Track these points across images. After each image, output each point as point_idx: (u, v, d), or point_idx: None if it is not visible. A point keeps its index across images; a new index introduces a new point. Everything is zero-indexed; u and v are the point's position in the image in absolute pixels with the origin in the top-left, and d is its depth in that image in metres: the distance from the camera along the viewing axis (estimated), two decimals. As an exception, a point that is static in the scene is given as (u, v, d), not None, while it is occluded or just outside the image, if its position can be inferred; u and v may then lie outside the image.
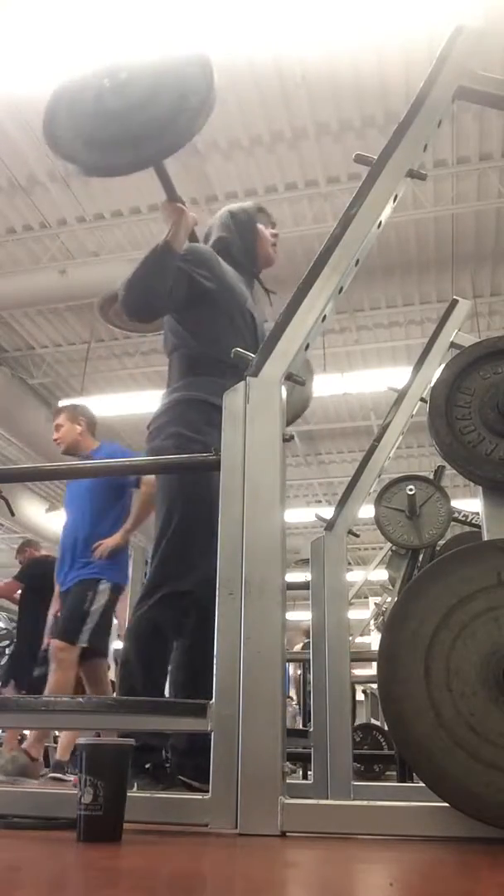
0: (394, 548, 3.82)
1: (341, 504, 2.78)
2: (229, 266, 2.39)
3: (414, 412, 3.10)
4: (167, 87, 2.00)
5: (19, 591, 6.01)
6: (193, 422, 2.17)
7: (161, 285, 2.18)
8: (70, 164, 2.05)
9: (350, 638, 2.86)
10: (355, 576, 8.14)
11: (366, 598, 10.39)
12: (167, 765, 2.06)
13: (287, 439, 1.64)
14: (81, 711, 1.63)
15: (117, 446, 4.77)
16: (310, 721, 2.65)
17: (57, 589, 4.38)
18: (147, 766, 1.96)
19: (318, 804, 1.55)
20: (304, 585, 2.73)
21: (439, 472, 3.78)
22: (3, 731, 6.12)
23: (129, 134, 1.99)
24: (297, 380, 1.72)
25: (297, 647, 6.66)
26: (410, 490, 3.30)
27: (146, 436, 2.30)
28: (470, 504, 3.64)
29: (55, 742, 5.56)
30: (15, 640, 6.05)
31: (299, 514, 10.93)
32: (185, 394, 2.24)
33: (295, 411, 2.93)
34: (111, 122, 2.00)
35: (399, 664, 1.38)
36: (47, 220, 6.98)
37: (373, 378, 8.04)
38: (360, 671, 6.44)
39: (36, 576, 5.82)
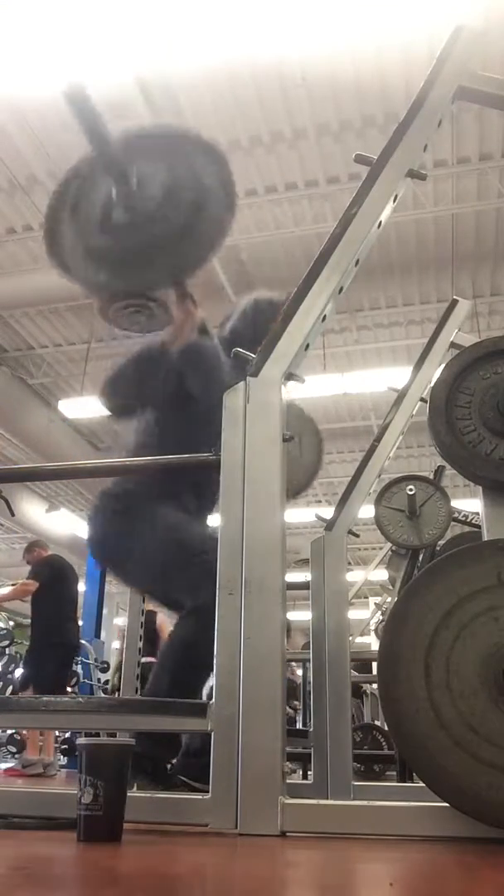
0: (394, 548, 3.83)
1: (341, 504, 2.78)
2: (227, 360, 2.26)
3: (414, 412, 3.10)
4: (182, 197, 1.80)
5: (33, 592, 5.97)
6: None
7: (146, 387, 2.14)
8: (77, 284, 1.88)
9: (350, 638, 2.85)
10: (355, 576, 8.13)
11: (366, 598, 10.38)
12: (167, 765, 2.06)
13: (287, 439, 1.64)
14: (81, 711, 1.63)
15: None
16: (310, 721, 2.65)
17: None
18: (146, 768, 1.96)
19: (318, 804, 1.55)
20: (304, 585, 2.73)
21: (439, 472, 3.79)
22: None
23: (140, 251, 1.79)
24: (297, 379, 1.72)
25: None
26: (410, 490, 3.30)
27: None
28: (470, 504, 3.64)
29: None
30: (31, 640, 5.99)
31: (299, 514, 10.92)
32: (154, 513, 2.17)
33: (299, 483, 2.87)
34: (121, 238, 1.80)
35: (399, 664, 1.38)
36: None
37: (373, 378, 8.04)
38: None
39: (45, 575, 5.81)
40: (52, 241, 1.90)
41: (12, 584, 6.39)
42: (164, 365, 2.16)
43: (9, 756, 7.13)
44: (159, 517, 2.14)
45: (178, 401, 2.18)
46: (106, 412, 2.30)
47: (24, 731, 6.29)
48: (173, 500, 2.20)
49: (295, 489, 2.97)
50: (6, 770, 6.01)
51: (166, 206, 1.78)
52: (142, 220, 1.77)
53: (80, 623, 6.40)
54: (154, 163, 1.83)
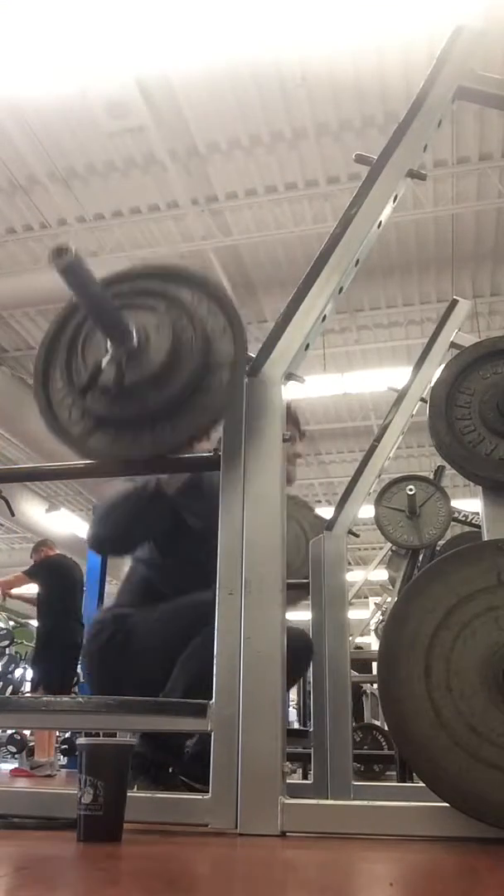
0: (394, 548, 3.83)
1: (341, 504, 2.78)
2: None
3: (414, 412, 3.10)
4: (187, 346, 1.60)
5: (37, 592, 5.96)
6: None
7: (141, 529, 2.05)
8: (80, 455, 1.72)
9: (350, 638, 2.85)
10: (355, 576, 8.14)
11: (366, 598, 10.38)
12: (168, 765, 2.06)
13: (287, 439, 1.64)
14: (81, 711, 1.63)
15: None
16: (310, 721, 2.65)
17: None
18: (148, 769, 1.96)
19: (318, 804, 1.55)
20: (304, 586, 2.73)
21: (439, 472, 3.79)
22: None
23: (152, 413, 1.61)
24: (297, 379, 1.72)
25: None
26: (410, 490, 3.31)
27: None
28: (470, 504, 3.65)
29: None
30: (38, 641, 5.97)
31: (299, 514, 10.92)
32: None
33: (295, 567, 2.78)
34: (129, 402, 1.60)
35: (399, 664, 1.38)
36: (47, 220, 6.98)
37: (373, 378, 8.04)
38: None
39: (53, 576, 5.80)
40: (52, 414, 1.73)
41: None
42: (160, 503, 2.05)
43: (9, 756, 7.12)
44: (156, 617, 2.05)
45: (176, 536, 2.10)
46: (97, 548, 2.17)
47: (29, 733, 6.31)
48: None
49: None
50: (13, 770, 6.02)
51: (176, 357, 1.60)
52: (156, 380, 1.60)
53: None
54: (150, 312, 1.65)
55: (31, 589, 6.16)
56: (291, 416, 2.31)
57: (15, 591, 6.30)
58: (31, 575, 5.89)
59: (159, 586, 2.15)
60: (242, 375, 1.63)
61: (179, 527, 2.09)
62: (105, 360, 1.61)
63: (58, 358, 1.72)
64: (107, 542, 2.13)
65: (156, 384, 1.60)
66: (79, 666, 6.02)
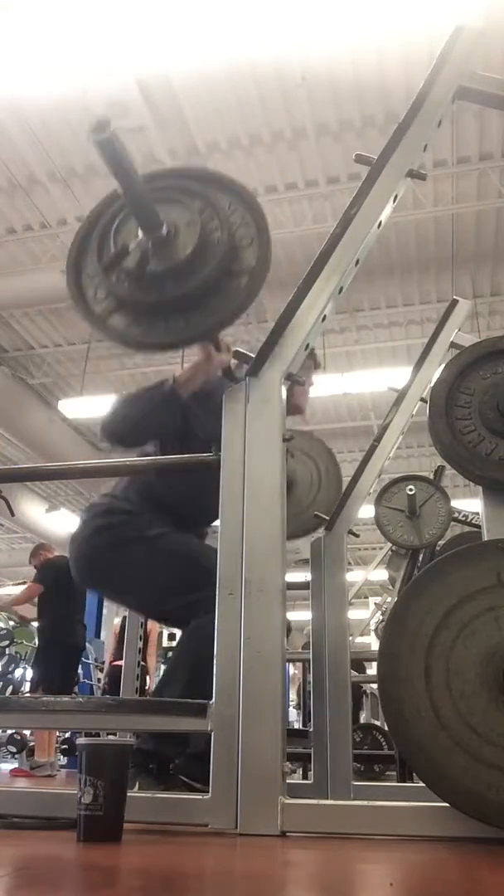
0: (394, 548, 3.82)
1: (341, 504, 2.78)
2: None
3: (414, 412, 3.09)
4: (213, 247, 1.68)
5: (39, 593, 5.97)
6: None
7: (152, 425, 2.11)
8: (109, 339, 1.78)
9: (350, 638, 2.85)
10: (355, 576, 8.13)
11: (366, 598, 10.38)
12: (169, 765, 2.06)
13: (287, 439, 1.64)
14: (81, 711, 1.63)
15: None
16: (310, 721, 2.65)
17: None
18: (150, 766, 1.96)
19: (318, 804, 1.55)
20: (304, 585, 2.73)
21: (439, 472, 3.78)
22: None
23: (169, 304, 1.68)
24: (297, 380, 1.72)
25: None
26: (410, 490, 3.30)
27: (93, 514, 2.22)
28: (470, 504, 3.64)
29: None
30: (39, 641, 5.98)
31: (299, 514, 10.91)
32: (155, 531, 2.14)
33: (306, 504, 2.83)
34: (155, 290, 1.69)
35: (399, 664, 1.38)
36: (47, 220, 6.98)
37: (373, 378, 8.04)
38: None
39: (52, 577, 5.81)
40: (79, 290, 1.80)
41: (19, 584, 6.38)
42: (174, 404, 2.10)
43: (9, 756, 7.12)
44: (156, 535, 2.12)
45: (182, 439, 2.14)
46: (107, 439, 2.25)
47: (29, 733, 6.31)
48: (166, 515, 2.18)
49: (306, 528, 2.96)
50: (13, 770, 6.02)
51: (199, 256, 1.67)
52: (177, 273, 1.67)
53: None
54: (185, 209, 1.72)
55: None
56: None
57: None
58: (39, 580, 5.89)
59: (159, 490, 2.21)
60: (260, 287, 1.70)
61: (187, 433, 2.14)
62: (132, 244, 1.69)
63: (92, 241, 1.82)
64: (118, 432, 2.17)
65: (176, 276, 1.67)
66: (79, 667, 6.03)
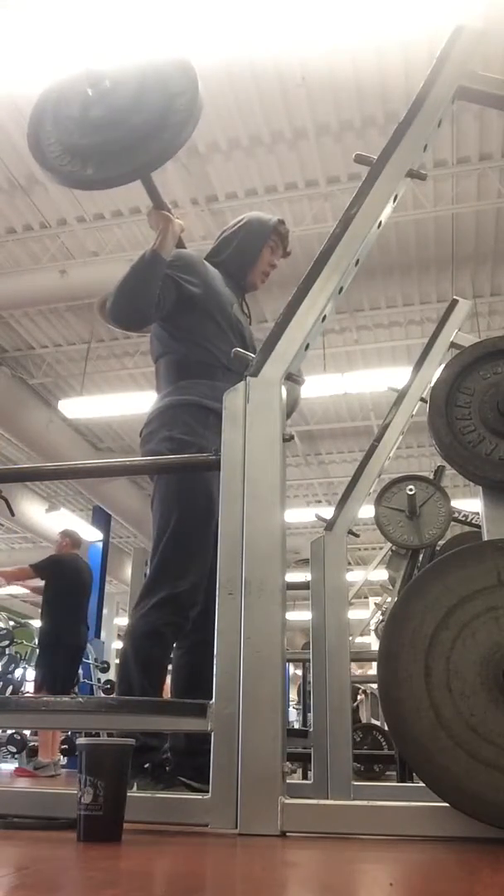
0: (394, 548, 3.82)
1: (341, 504, 2.78)
2: (216, 271, 2.40)
3: (414, 412, 3.10)
4: (152, 93, 1.96)
5: (44, 591, 5.90)
6: (187, 424, 2.17)
7: (149, 294, 2.17)
8: (56, 177, 2.03)
9: (350, 638, 2.85)
10: (355, 576, 8.14)
11: (366, 598, 10.38)
12: (167, 765, 2.06)
13: (287, 439, 1.64)
14: (81, 711, 1.63)
15: None
16: (310, 721, 2.65)
17: None
18: (147, 765, 1.96)
19: (318, 804, 1.55)
20: (304, 585, 2.73)
21: (439, 472, 3.78)
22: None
23: (116, 145, 1.95)
24: (297, 379, 1.72)
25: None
26: (410, 490, 3.30)
27: (139, 441, 2.30)
28: (470, 504, 3.64)
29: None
30: (41, 642, 5.95)
31: (299, 514, 10.94)
32: (177, 398, 2.23)
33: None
34: (97, 133, 1.96)
35: (399, 664, 1.38)
36: (47, 220, 6.98)
37: (373, 378, 8.04)
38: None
39: (62, 575, 5.77)
40: (36, 142, 2.04)
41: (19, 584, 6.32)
42: (160, 266, 2.21)
43: (9, 756, 7.12)
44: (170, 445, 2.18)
45: (179, 304, 2.24)
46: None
47: (30, 733, 6.30)
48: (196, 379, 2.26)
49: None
50: (16, 770, 6.02)
51: (137, 104, 1.95)
52: (116, 118, 1.94)
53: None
54: (125, 67, 2.04)
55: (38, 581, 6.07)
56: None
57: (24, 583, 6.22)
58: (39, 569, 5.82)
59: (185, 370, 2.29)
60: (188, 131, 1.96)
61: (182, 298, 2.24)
62: (78, 99, 2.00)
63: (48, 108, 2.10)
64: (124, 311, 2.23)
65: (117, 122, 1.95)
66: (79, 667, 6.02)
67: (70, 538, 6.10)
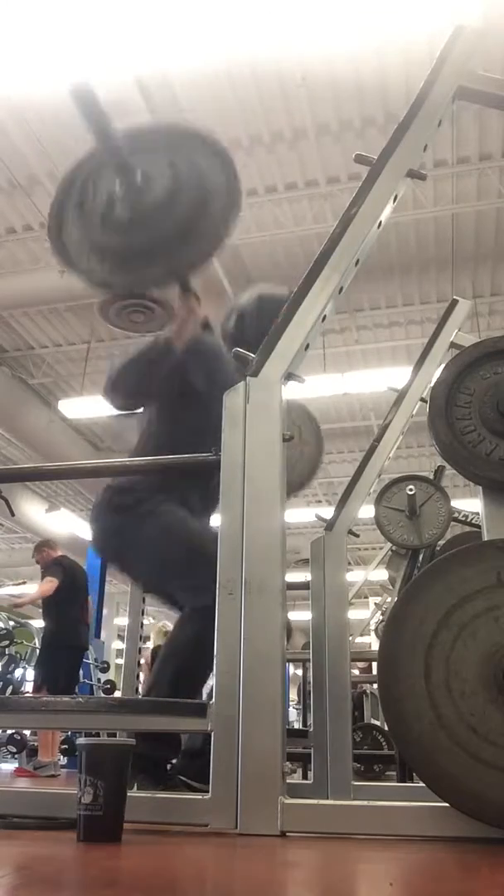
0: (394, 548, 3.82)
1: (341, 504, 2.78)
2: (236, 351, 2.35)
3: (414, 412, 3.10)
4: (185, 194, 1.81)
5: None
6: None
7: (152, 383, 2.16)
8: (86, 282, 1.89)
9: (350, 638, 2.85)
10: (355, 576, 8.13)
11: (366, 598, 10.38)
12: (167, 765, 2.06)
13: (287, 439, 1.64)
14: (81, 711, 1.63)
15: None
16: (310, 721, 2.65)
17: None
18: (147, 767, 1.96)
19: (318, 804, 1.55)
20: (304, 585, 2.73)
21: (439, 472, 3.79)
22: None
23: (143, 248, 1.80)
24: (297, 379, 1.72)
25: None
26: (410, 490, 3.30)
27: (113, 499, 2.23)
28: (470, 504, 3.64)
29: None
30: (42, 642, 5.95)
31: (299, 514, 10.93)
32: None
33: (303, 474, 2.88)
34: (124, 234, 1.81)
35: (399, 664, 1.38)
36: (47, 221, 6.98)
37: (373, 378, 8.04)
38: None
39: (64, 577, 5.77)
40: (57, 234, 1.92)
41: (19, 584, 6.33)
42: (169, 361, 2.17)
43: (9, 756, 7.12)
44: (165, 513, 2.14)
45: (182, 396, 2.20)
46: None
47: (30, 733, 6.30)
48: (178, 496, 2.20)
49: (299, 481, 2.98)
50: (16, 770, 6.02)
51: (170, 203, 1.79)
52: (145, 217, 1.79)
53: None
54: (159, 159, 1.84)
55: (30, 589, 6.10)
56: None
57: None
58: (55, 574, 5.82)
59: (169, 453, 2.23)
60: (228, 233, 1.82)
61: (185, 390, 2.19)
62: (109, 193, 1.83)
63: (73, 191, 1.94)
64: (119, 390, 2.23)
65: (148, 221, 1.80)
66: (80, 668, 6.03)
67: (48, 546, 6.12)
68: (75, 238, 1.88)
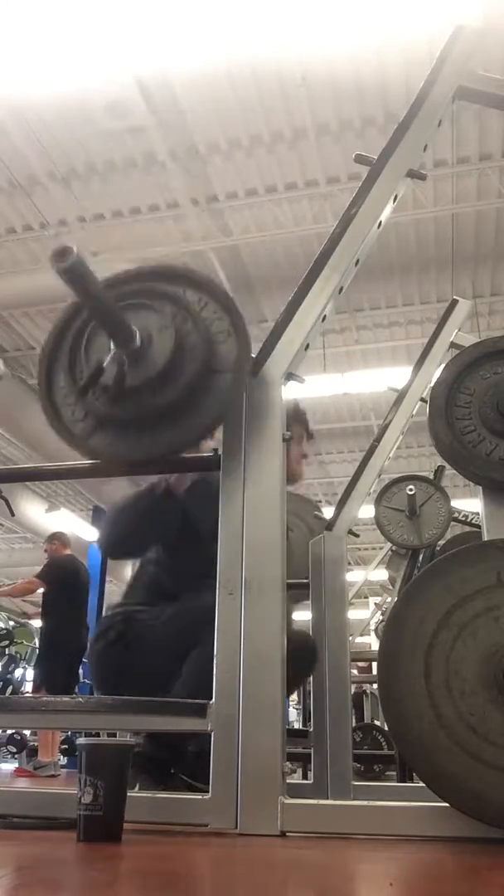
0: (394, 548, 3.83)
1: (341, 504, 2.77)
2: None
3: (414, 412, 3.09)
4: (190, 350, 1.61)
5: (42, 592, 5.92)
6: None
7: (152, 530, 2.05)
8: (82, 454, 1.72)
9: (350, 638, 2.85)
10: (355, 576, 8.14)
11: (366, 598, 10.38)
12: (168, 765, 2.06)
13: (287, 439, 1.64)
14: (81, 711, 1.63)
15: None
16: (310, 721, 2.65)
17: None
18: (150, 766, 1.97)
19: (318, 804, 1.55)
20: (304, 585, 2.73)
21: (439, 472, 3.79)
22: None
23: (154, 415, 1.61)
24: (297, 379, 1.72)
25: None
26: (410, 490, 3.31)
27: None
28: (470, 504, 3.65)
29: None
30: (42, 642, 5.95)
31: (299, 514, 10.91)
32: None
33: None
34: (132, 402, 1.61)
35: (399, 664, 1.38)
36: (47, 220, 6.98)
37: (373, 378, 8.04)
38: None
39: (58, 577, 5.77)
40: (55, 413, 1.73)
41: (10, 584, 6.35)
42: (170, 504, 2.06)
43: (9, 756, 7.12)
44: (169, 617, 2.05)
45: (185, 537, 2.08)
46: (108, 552, 2.19)
47: (29, 733, 6.30)
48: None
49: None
50: (16, 770, 6.02)
51: (178, 360, 1.59)
52: (156, 382, 1.60)
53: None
54: (154, 313, 1.64)
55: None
56: (300, 416, 2.35)
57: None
58: (43, 577, 5.85)
59: (168, 586, 2.15)
60: (245, 380, 1.63)
61: (188, 528, 2.07)
62: (107, 360, 1.61)
63: (61, 357, 1.72)
64: (118, 545, 2.13)
65: (157, 386, 1.59)
66: (80, 667, 6.03)
67: (60, 541, 6.11)
68: (76, 415, 1.71)
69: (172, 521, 2.07)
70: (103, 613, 2.24)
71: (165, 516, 2.06)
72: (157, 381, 1.59)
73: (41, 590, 6.01)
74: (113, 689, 2.05)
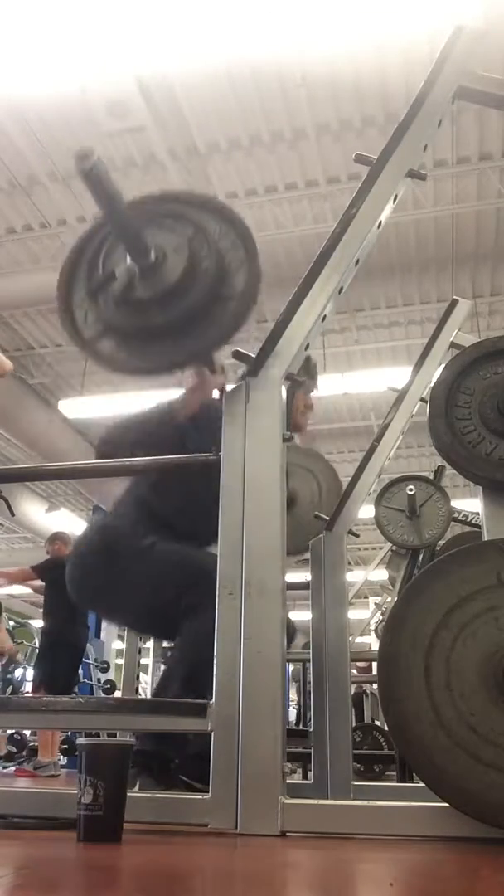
0: (394, 548, 3.82)
1: (341, 504, 2.77)
2: None
3: (414, 412, 3.09)
4: (201, 272, 1.67)
5: (44, 592, 5.91)
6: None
7: (149, 441, 2.08)
8: (97, 363, 1.77)
9: (350, 638, 2.85)
10: (355, 576, 8.13)
11: (366, 598, 10.38)
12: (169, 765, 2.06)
13: (287, 439, 1.64)
14: (81, 711, 1.63)
15: None
16: (310, 721, 2.65)
17: None
18: (151, 766, 1.96)
19: (318, 804, 1.55)
20: (304, 585, 2.73)
21: (439, 472, 3.79)
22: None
23: (157, 329, 1.68)
24: (296, 379, 1.72)
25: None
26: (410, 490, 3.30)
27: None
28: (470, 504, 3.64)
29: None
30: (42, 641, 5.96)
31: (299, 514, 10.91)
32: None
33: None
34: (142, 315, 1.68)
35: (399, 664, 1.38)
36: (47, 220, 6.98)
37: (373, 378, 8.04)
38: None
39: (56, 576, 5.77)
40: (69, 316, 1.80)
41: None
42: (171, 426, 2.11)
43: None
44: (150, 545, 2.10)
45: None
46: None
47: (29, 733, 6.30)
48: (163, 528, 2.17)
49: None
50: (17, 770, 6.02)
51: (187, 281, 1.66)
52: (164, 298, 1.67)
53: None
54: (173, 234, 1.71)
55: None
56: (309, 367, 2.50)
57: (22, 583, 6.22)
58: (39, 570, 5.83)
59: (156, 509, 2.21)
60: (249, 311, 1.69)
61: (181, 451, 2.11)
62: (120, 270, 1.69)
63: (83, 263, 1.81)
64: (114, 442, 2.17)
65: (164, 302, 1.66)
66: (79, 668, 6.03)
67: (62, 541, 6.11)
68: (87, 318, 1.78)
69: (169, 442, 2.09)
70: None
71: (163, 437, 2.10)
72: (164, 297, 1.66)
73: (41, 590, 6.01)
74: (87, 599, 2.32)
